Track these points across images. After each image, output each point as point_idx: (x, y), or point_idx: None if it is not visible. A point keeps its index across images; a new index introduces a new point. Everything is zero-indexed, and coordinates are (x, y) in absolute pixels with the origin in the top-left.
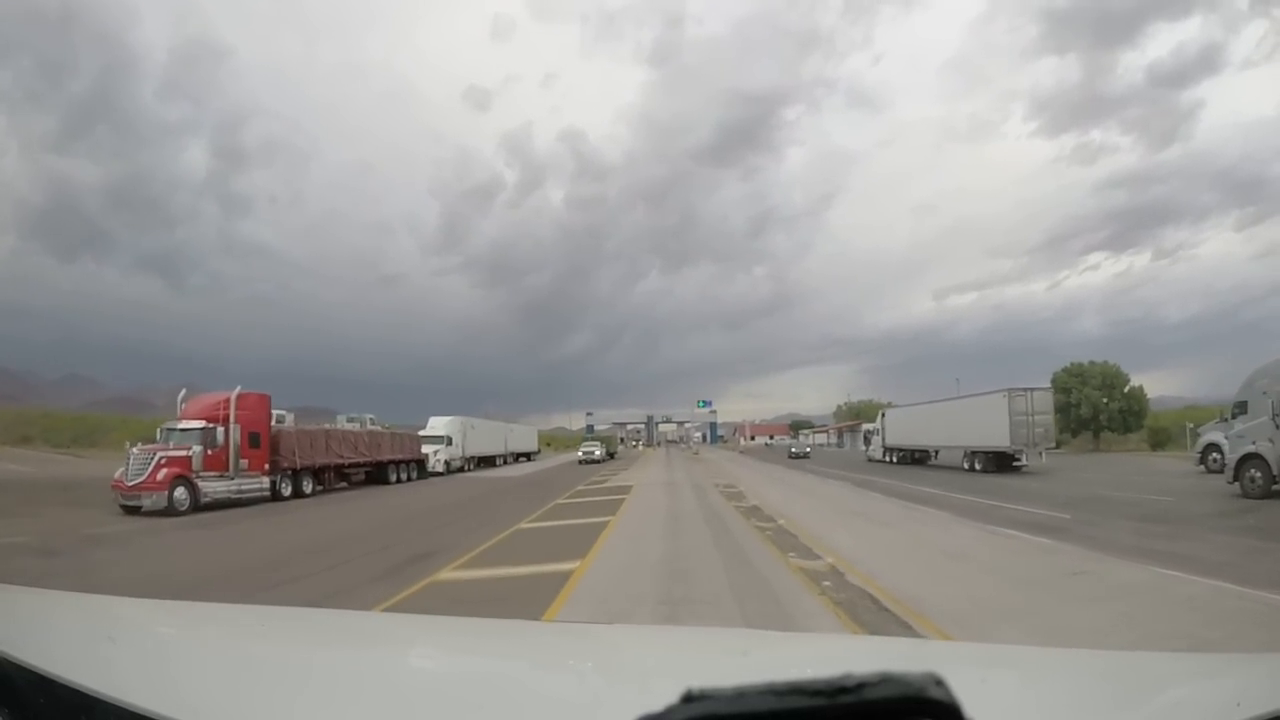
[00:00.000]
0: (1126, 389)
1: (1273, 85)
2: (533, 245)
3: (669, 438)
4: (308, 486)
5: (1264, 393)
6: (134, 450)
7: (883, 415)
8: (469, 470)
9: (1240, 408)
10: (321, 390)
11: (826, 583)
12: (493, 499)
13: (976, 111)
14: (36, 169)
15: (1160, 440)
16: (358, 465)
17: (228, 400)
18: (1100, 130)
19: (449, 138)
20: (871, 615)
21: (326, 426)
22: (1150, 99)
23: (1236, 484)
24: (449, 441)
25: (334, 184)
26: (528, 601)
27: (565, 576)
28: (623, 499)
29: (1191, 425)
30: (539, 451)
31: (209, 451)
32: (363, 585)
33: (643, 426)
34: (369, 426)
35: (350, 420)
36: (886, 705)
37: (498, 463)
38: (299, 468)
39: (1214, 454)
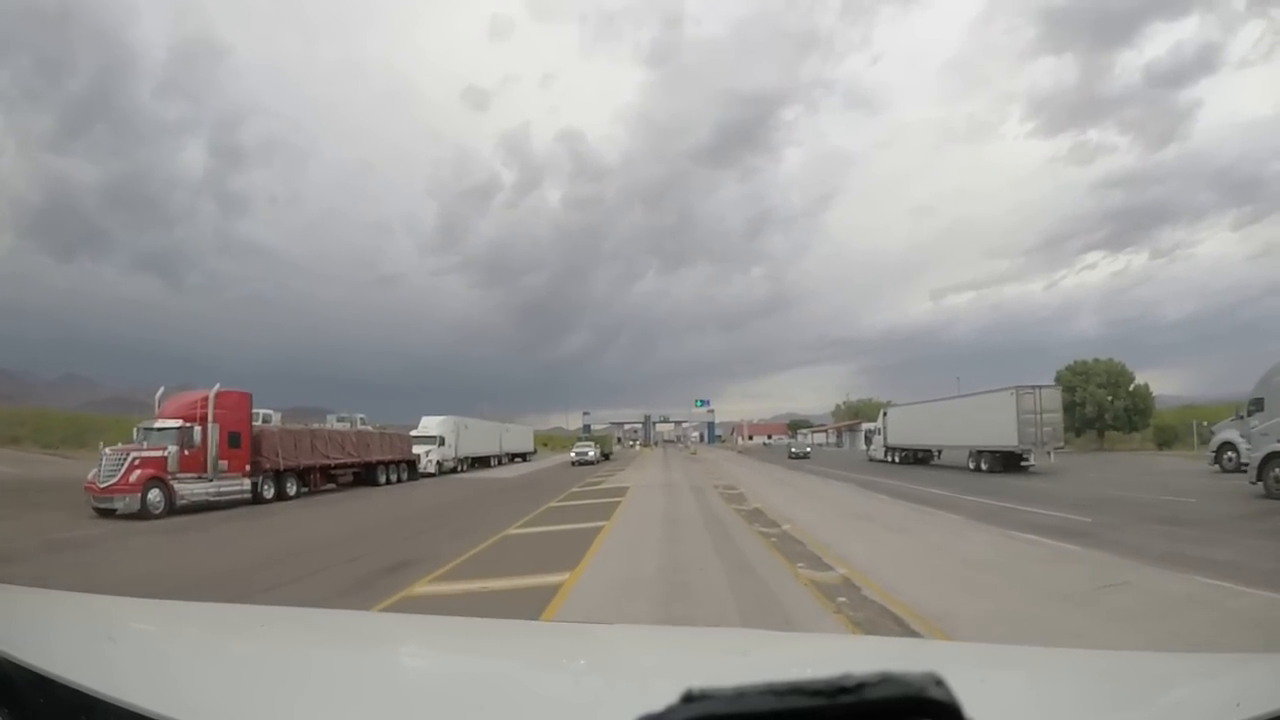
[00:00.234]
0: (1131, 387)
1: (1270, 85)
2: (530, 245)
3: (666, 438)
4: (291, 488)
5: None
6: (107, 451)
7: (884, 414)
8: (462, 471)
9: (1256, 405)
10: (319, 390)
11: (842, 598)
12: (483, 502)
13: (974, 112)
14: (34, 168)
15: (1167, 439)
16: (345, 466)
17: (206, 399)
18: (1098, 130)
19: (447, 138)
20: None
21: (313, 426)
22: (1147, 99)
23: (1260, 484)
24: (442, 442)
25: (332, 183)
26: None
27: (553, 590)
28: (619, 502)
29: (1205, 423)
30: (535, 452)
31: (186, 452)
32: (329, 600)
33: (640, 426)
34: (359, 426)
35: (340, 420)
36: (886, 705)
37: (492, 463)
38: (282, 469)
39: (1229, 453)
